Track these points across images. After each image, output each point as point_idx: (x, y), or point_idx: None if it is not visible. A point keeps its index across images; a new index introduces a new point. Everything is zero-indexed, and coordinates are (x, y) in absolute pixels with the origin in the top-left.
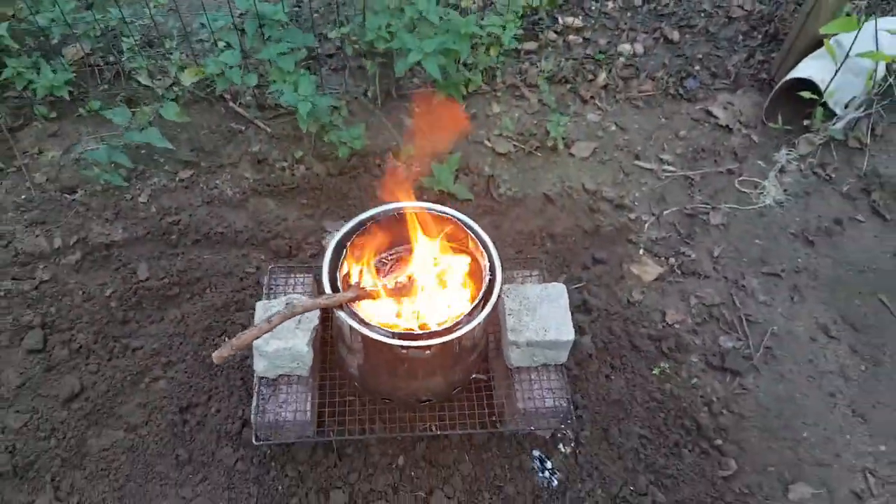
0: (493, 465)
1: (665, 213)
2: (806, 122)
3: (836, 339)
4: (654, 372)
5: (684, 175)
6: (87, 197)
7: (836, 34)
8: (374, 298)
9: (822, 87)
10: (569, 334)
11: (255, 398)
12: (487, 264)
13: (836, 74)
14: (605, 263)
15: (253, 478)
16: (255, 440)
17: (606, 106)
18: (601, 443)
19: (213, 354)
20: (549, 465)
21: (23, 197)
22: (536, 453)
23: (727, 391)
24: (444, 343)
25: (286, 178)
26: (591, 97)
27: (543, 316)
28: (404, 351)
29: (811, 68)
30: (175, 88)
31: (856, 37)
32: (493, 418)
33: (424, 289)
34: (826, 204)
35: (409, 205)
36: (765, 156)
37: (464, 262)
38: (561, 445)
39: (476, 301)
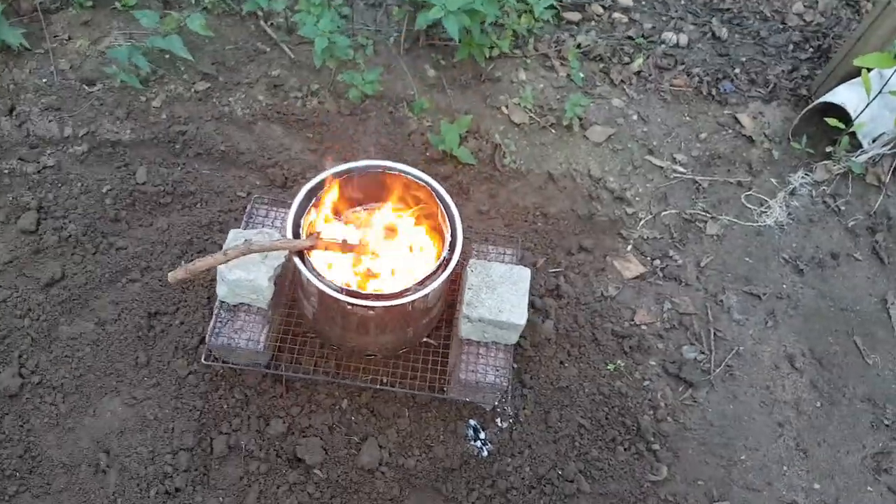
0: (430, 426)
1: (663, 213)
2: (829, 149)
3: (800, 371)
4: (608, 367)
5: (693, 179)
6: (104, 92)
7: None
8: (329, 250)
9: (854, 116)
10: (521, 318)
11: (212, 320)
12: (449, 240)
13: (866, 106)
14: (589, 252)
15: (201, 392)
16: (205, 359)
17: (634, 93)
18: (539, 424)
19: (169, 274)
20: (482, 435)
21: (44, 81)
22: (472, 422)
23: (676, 400)
24: (388, 306)
25: (297, 109)
26: (622, 81)
27: (501, 296)
28: (350, 307)
29: (847, 95)
30: None
31: (893, 72)
32: (441, 383)
33: (379, 252)
34: (827, 235)
35: (389, 165)
36: (779, 174)
37: (428, 231)
38: (499, 420)
39: (428, 274)
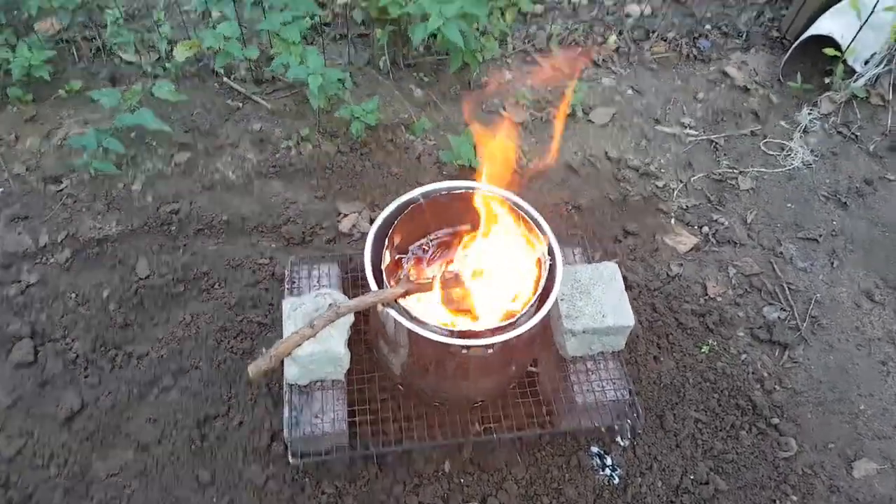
0: (549, 466)
1: (693, 179)
2: (826, 80)
3: (881, 303)
4: (702, 350)
5: (708, 139)
6: (75, 187)
7: None
8: (426, 291)
9: (843, 43)
10: (628, 318)
11: (286, 409)
12: (545, 246)
13: (859, 30)
14: (637, 235)
15: (287, 498)
16: (292, 458)
17: (620, 69)
18: (657, 431)
19: (249, 368)
20: (608, 461)
21: (1, 190)
22: (595, 449)
23: (777, 365)
24: (509, 339)
25: (293, 158)
26: (604, 60)
27: (598, 299)
28: (464, 351)
29: (830, 25)
30: (165, 64)
31: None
32: (546, 414)
33: (481, 275)
34: (854, 164)
35: (451, 185)
36: (786, 116)
37: (515, 244)
38: (619, 438)
39: (540, 288)
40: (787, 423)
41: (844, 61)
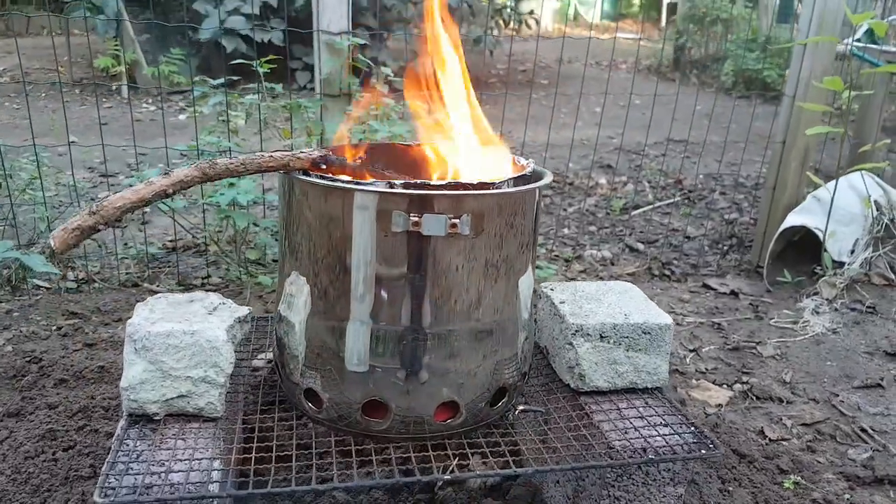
0: None
1: (703, 350)
2: (818, 270)
3: None
4: (785, 486)
5: (710, 322)
6: None
7: (818, 186)
8: (351, 173)
9: (818, 234)
10: (663, 317)
11: (111, 453)
12: (522, 161)
13: (828, 219)
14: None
15: None
16: None
17: (591, 280)
18: None
19: (52, 234)
20: None
21: None
22: None
23: None
24: (487, 204)
25: None
26: (572, 279)
27: (614, 303)
28: (415, 221)
29: (801, 219)
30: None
31: (835, 188)
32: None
33: (444, 170)
34: (884, 328)
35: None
36: (787, 308)
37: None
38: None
39: (523, 171)
40: None
41: (826, 249)
